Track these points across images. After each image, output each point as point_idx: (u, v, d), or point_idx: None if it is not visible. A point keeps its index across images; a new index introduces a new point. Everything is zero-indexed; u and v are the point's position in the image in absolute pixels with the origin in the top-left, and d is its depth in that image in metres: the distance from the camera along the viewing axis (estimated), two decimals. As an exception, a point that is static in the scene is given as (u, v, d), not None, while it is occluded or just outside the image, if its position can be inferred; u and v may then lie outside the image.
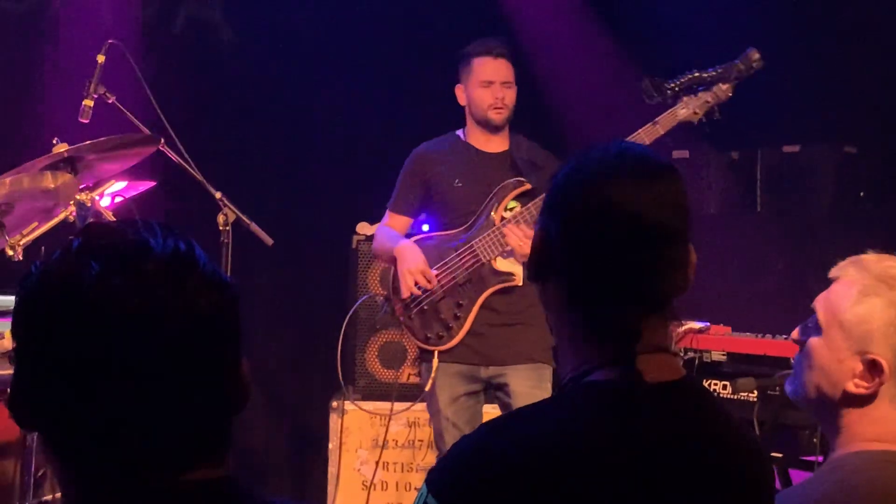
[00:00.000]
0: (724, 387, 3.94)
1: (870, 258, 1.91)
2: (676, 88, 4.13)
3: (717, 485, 1.58)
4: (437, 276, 4.33)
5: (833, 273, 1.92)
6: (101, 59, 4.21)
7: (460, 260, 4.33)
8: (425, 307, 4.36)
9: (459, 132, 4.56)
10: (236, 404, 1.33)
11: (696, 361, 4.00)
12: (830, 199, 5.70)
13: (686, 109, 4.15)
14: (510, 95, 4.44)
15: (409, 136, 4.68)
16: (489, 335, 4.34)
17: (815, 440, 3.59)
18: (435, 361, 4.35)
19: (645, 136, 4.14)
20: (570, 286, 1.61)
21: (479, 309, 4.33)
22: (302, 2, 6.07)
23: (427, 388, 4.36)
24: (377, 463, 5.21)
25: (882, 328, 1.83)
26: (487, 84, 4.41)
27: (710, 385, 3.95)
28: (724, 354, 3.99)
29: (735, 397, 3.87)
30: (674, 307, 1.60)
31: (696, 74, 4.14)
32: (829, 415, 1.90)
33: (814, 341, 1.90)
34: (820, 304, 1.91)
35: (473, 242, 4.32)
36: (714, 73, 4.13)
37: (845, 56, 5.77)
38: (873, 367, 1.82)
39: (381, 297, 4.58)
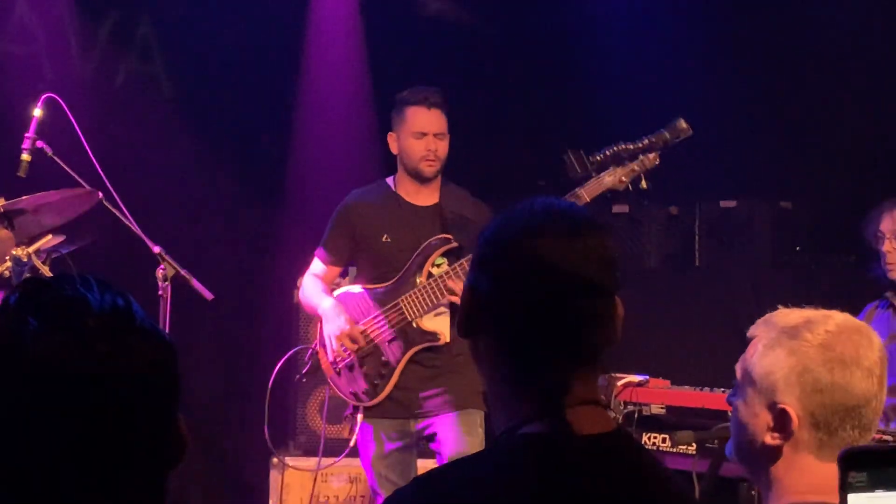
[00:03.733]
0: (664, 440, 3.96)
1: (779, 313, 1.95)
2: (600, 161, 4.11)
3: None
4: (362, 332, 4.32)
5: (749, 333, 1.96)
6: (38, 112, 4.19)
7: (387, 317, 4.31)
8: (352, 362, 4.34)
9: (390, 180, 4.50)
10: (172, 459, 1.33)
11: (636, 415, 4.02)
12: (767, 253, 5.79)
13: (612, 177, 4.13)
14: (442, 147, 4.38)
15: (347, 187, 4.67)
16: (416, 389, 4.32)
17: (753, 492, 3.62)
18: (359, 417, 4.35)
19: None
20: (499, 341, 1.62)
21: (404, 366, 4.32)
22: (241, 55, 6.09)
23: (351, 444, 4.38)
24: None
25: (784, 377, 1.86)
26: (420, 136, 4.34)
27: (649, 438, 3.97)
28: (662, 408, 4.02)
29: (674, 450, 3.89)
30: (603, 360, 1.62)
31: (622, 146, 4.11)
32: (758, 470, 1.93)
33: (737, 402, 1.95)
34: (738, 365, 1.96)
35: (399, 300, 4.29)
36: (641, 145, 4.10)
37: (781, 114, 5.89)
38: (783, 417, 1.85)
39: (309, 350, 4.57)
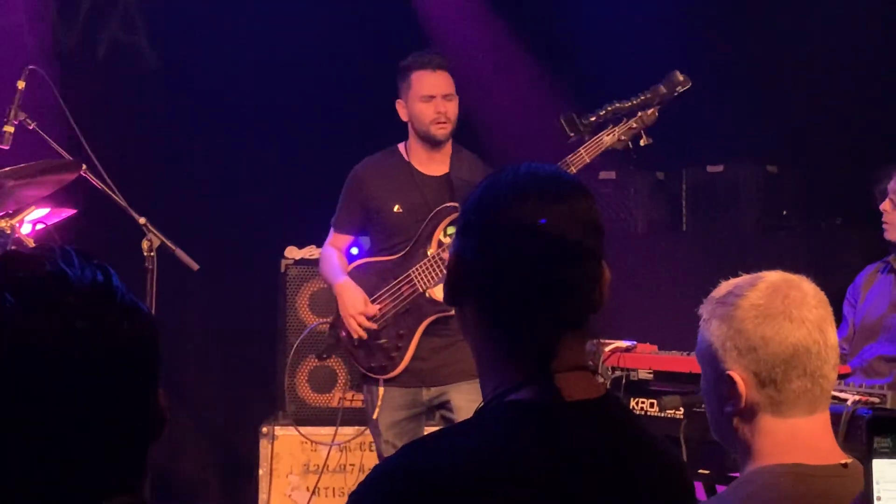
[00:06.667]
0: (652, 405, 3.96)
1: (718, 287, 1.99)
2: (594, 122, 4.04)
3: (639, 502, 1.59)
4: (377, 309, 4.30)
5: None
6: (20, 84, 4.18)
7: (399, 289, 4.30)
8: (369, 337, 4.33)
9: (401, 147, 4.45)
10: (152, 434, 1.33)
11: (623, 380, 4.02)
12: (754, 218, 5.79)
13: (611, 136, 4.09)
14: (452, 108, 4.33)
15: (337, 159, 4.66)
16: (430, 358, 4.32)
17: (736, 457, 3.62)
18: (381, 390, 4.33)
19: (572, 164, 4.09)
20: (486, 307, 1.62)
21: (419, 337, 4.31)
22: (226, 26, 6.05)
23: (374, 417, 4.34)
24: (310, 489, 5.18)
25: (721, 345, 1.91)
26: (428, 99, 4.29)
27: (637, 403, 3.97)
28: (650, 372, 4.01)
29: (662, 415, 3.89)
30: (590, 324, 1.61)
31: (617, 105, 4.05)
32: (730, 442, 1.96)
33: (701, 381, 1.98)
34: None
35: (410, 272, 4.28)
36: (637, 101, 4.04)
37: (767, 78, 5.88)
38: (730, 383, 1.88)
39: (327, 325, 4.55)
